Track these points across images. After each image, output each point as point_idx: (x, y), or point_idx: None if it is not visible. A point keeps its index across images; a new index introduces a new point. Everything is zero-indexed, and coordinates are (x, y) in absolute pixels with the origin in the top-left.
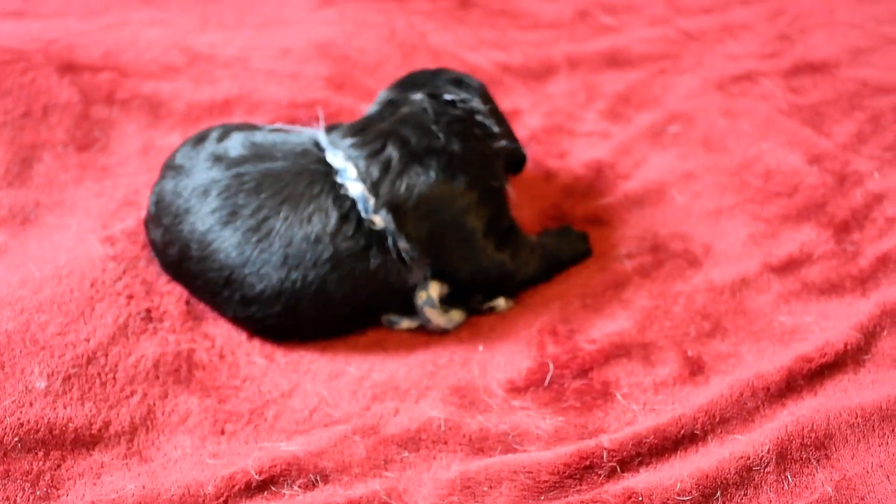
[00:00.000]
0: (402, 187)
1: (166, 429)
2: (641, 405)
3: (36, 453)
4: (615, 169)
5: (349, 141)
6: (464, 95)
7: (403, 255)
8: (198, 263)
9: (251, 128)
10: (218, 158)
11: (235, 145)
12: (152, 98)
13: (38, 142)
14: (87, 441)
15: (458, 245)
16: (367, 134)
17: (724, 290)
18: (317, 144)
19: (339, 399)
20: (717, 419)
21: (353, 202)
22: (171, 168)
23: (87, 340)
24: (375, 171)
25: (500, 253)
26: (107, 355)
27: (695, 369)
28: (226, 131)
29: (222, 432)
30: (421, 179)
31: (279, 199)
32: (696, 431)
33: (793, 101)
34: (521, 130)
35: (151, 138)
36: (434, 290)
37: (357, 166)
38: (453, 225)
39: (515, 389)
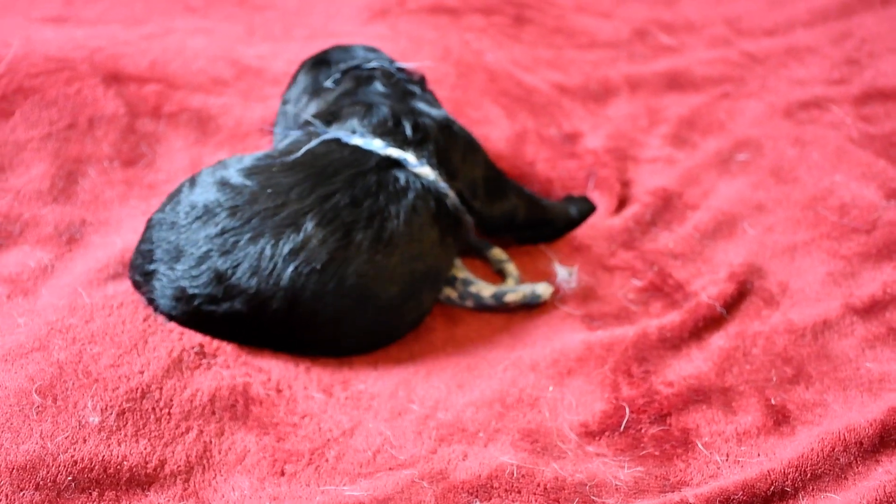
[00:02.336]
0: (446, 153)
1: (223, 468)
2: (724, 456)
3: (90, 493)
4: (683, 198)
5: (374, 131)
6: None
7: (462, 217)
8: (319, 296)
9: (267, 158)
10: (280, 191)
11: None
12: (201, 112)
13: (84, 155)
14: (142, 480)
15: (490, 178)
16: (379, 118)
17: (805, 333)
18: (352, 147)
19: (403, 440)
20: (809, 475)
21: (422, 185)
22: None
23: (141, 373)
24: (426, 151)
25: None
26: (161, 389)
27: (779, 418)
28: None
29: (282, 473)
30: (452, 137)
31: (369, 207)
32: (786, 488)
33: (864, 130)
34: (584, 156)
35: (199, 155)
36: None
37: (408, 152)
38: (486, 165)
39: (589, 434)
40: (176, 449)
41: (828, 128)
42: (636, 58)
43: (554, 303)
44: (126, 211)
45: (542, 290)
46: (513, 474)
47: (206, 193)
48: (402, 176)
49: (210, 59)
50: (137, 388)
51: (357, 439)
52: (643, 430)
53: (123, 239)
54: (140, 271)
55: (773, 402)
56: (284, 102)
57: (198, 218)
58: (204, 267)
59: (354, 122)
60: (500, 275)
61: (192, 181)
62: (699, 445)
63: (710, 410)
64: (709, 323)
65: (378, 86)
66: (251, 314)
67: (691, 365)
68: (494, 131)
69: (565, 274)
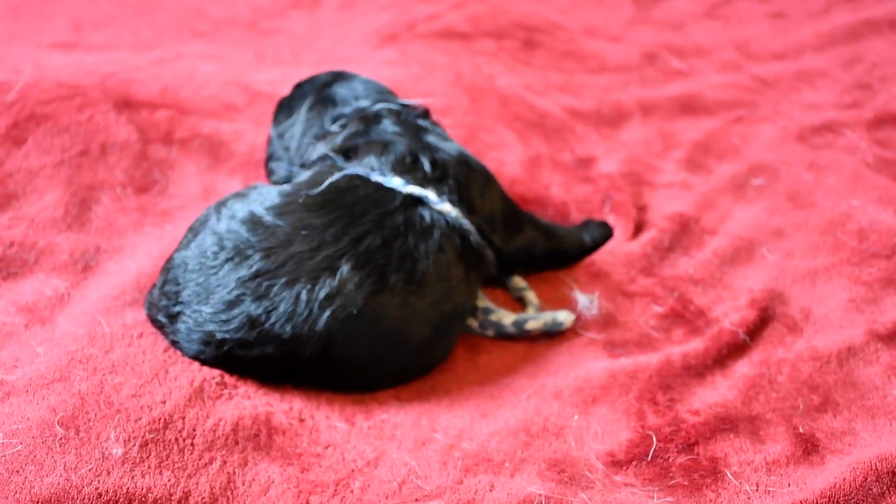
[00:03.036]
0: (466, 188)
1: (247, 499)
2: (754, 486)
3: None
4: (700, 224)
5: (393, 169)
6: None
7: (484, 253)
8: (354, 340)
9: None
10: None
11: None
12: (212, 138)
13: (97, 182)
14: None
15: (507, 212)
16: (397, 156)
17: (831, 360)
18: (374, 185)
19: (428, 470)
20: None
21: (446, 222)
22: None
23: (163, 403)
24: (445, 187)
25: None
26: (184, 419)
27: (808, 447)
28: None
29: None
30: (471, 172)
31: (399, 248)
32: None
33: (879, 155)
34: (598, 181)
35: (212, 181)
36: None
37: (428, 189)
38: (503, 199)
39: (617, 463)
40: (200, 480)
41: (842, 152)
42: (647, 82)
43: (575, 329)
44: (140, 238)
45: (564, 317)
46: None
47: (235, 232)
48: (426, 214)
49: (221, 85)
50: (160, 419)
51: (381, 470)
52: (671, 460)
53: (138, 265)
54: (164, 312)
55: (801, 430)
56: (280, 135)
57: (229, 259)
58: (236, 311)
59: (372, 160)
60: (519, 302)
61: (218, 212)
62: (728, 475)
63: (738, 439)
64: (732, 350)
65: (388, 124)
66: (283, 358)
67: (717, 393)
68: (508, 156)
69: (586, 301)
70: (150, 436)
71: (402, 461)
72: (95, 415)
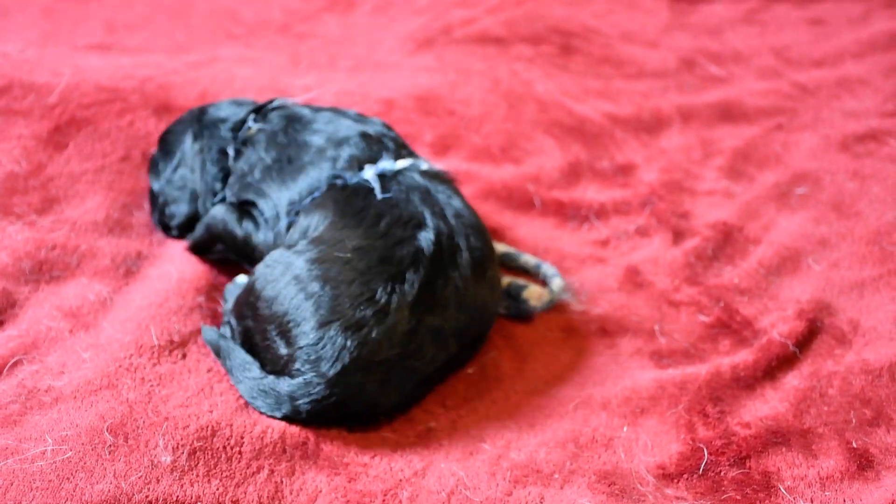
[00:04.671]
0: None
1: None
2: (809, 501)
3: None
4: (744, 232)
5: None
6: None
7: None
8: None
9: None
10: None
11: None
12: None
13: (138, 188)
14: None
15: None
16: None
17: (882, 373)
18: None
19: (477, 481)
20: None
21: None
22: None
23: (211, 412)
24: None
25: None
26: (231, 426)
27: (863, 463)
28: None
29: None
30: None
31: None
32: None
33: None
34: (637, 187)
35: None
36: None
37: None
38: None
39: (667, 476)
40: (248, 489)
41: (886, 161)
42: (686, 88)
43: (618, 337)
44: (180, 244)
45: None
46: None
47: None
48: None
49: (258, 90)
50: (207, 426)
51: (429, 480)
52: (723, 473)
53: (179, 271)
54: None
55: (854, 445)
56: (169, 181)
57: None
58: None
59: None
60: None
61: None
62: (782, 490)
63: (791, 453)
64: (782, 362)
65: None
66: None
67: (767, 406)
68: (548, 162)
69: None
70: (199, 444)
71: (451, 471)
72: (144, 422)
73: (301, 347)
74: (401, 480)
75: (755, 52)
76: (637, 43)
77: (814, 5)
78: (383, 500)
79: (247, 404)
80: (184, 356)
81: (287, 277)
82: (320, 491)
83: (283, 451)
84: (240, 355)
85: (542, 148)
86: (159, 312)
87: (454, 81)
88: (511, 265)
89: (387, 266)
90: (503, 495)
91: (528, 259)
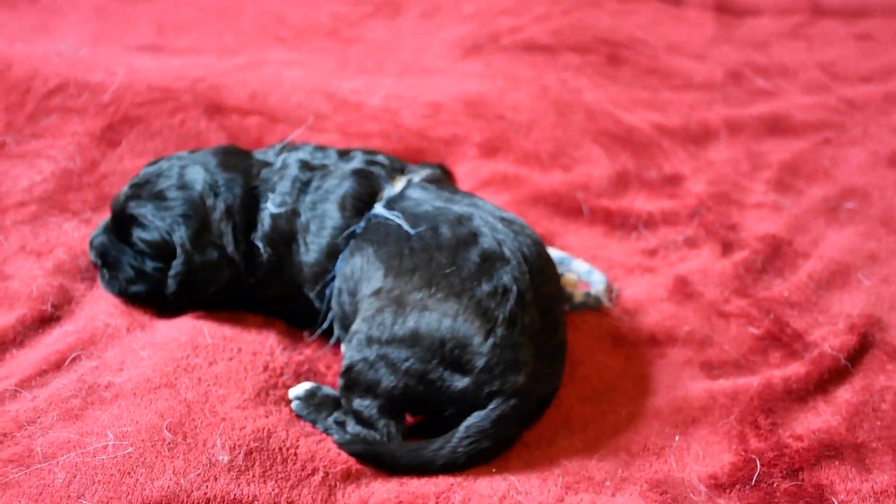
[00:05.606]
0: None
1: None
2: None
3: None
4: (793, 246)
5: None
6: None
7: None
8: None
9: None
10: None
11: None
12: None
13: None
14: None
15: None
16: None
17: None
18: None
19: (528, 486)
20: None
21: None
22: None
23: (267, 416)
24: None
25: None
26: (287, 430)
27: None
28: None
29: None
30: None
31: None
32: None
33: None
34: (685, 198)
35: None
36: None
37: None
38: None
39: (719, 486)
40: (302, 492)
41: None
42: (732, 101)
43: (668, 347)
44: None
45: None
46: None
47: None
48: None
49: (308, 93)
50: (264, 428)
51: (481, 484)
52: (775, 485)
53: None
54: None
55: None
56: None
57: None
58: None
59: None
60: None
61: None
62: (836, 503)
63: (844, 467)
64: (833, 375)
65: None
66: None
67: (819, 419)
68: (596, 170)
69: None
70: (255, 444)
71: (502, 476)
72: (201, 422)
73: (481, 369)
74: (452, 484)
75: (802, 67)
76: (683, 55)
77: (861, 21)
78: (436, 503)
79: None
80: (239, 350)
81: (409, 310)
82: (373, 493)
83: (338, 454)
84: (397, 448)
85: (590, 156)
86: (213, 312)
87: (502, 87)
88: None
89: (481, 272)
90: (555, 501)
91: (579, 265)
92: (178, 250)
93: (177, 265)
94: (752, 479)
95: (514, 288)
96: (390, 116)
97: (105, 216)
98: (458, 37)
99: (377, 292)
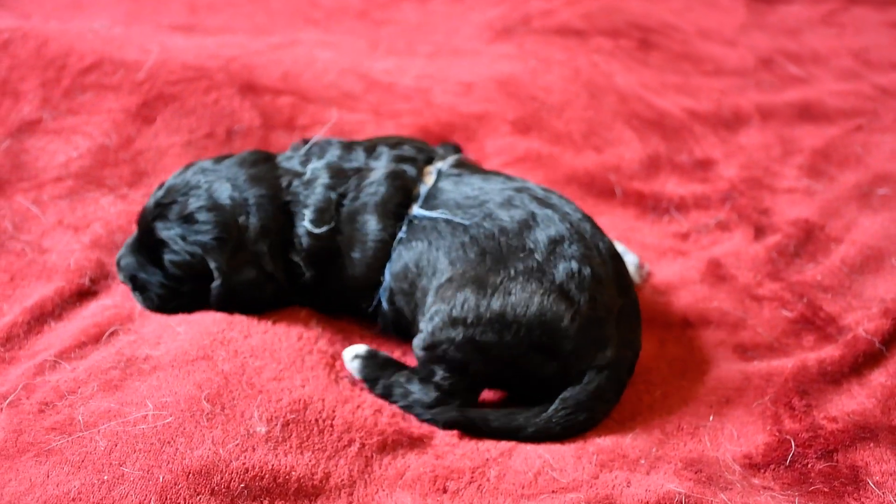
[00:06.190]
0: None
1: (385, 483)
2: None
3: (261, 501)
4: (825, 231)
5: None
6: None
7: None
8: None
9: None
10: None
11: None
12: (334, 128)
13: None
14: (309, 492)
15: None
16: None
17: None
18: None
19: (563, 463)
20: None
21: None
22: None
23: (303, 386)
24: None
25: None
26: (324, 400)
27: None
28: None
29: (444, 490)
30: None
31: None
32: None
33: None
34: (717, 182)
35: None
36: None
37: None
38: None
39: (754, 466)
40: (339, 462)
41: None
42: (764, 87)
43: (701, 328)
44: None
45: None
46: (682, 503)
47: None
48: None
49: (339, 73)
50: (300, 400)
51: (516, 460)
52: (810, 466)
53: None
54: None
55: None
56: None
57: None
58: None
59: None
60: None
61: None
62: (871, 484)
63: (879, 449)
64: (868, 359)
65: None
66: None
67: (854, 401)
68: (628, 152)
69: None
70: (291, 416)
71: (537, 453)
72: (239, 394)
73: (570, 351)
74: (487, 459)
75: (834, 54)
76: (715, 41)
77: (893, 8)
78: (471, 478)
79: (337, 379)
80: (274, 322)
81: (491, 292)
82: (409, 466)
83: (374, 425)
84: (490, 412)
85: (622, 138)
86: None
87: (535, 69)
88: None
89: (553, 252)
90: (590, 478)
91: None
92: (215, 273)
93: (216, 287)
94: (786, 460)
95: (588, 264)
96: (422, 95)
97: (140, 192)
98: (488, 19)
99: (449, 280)
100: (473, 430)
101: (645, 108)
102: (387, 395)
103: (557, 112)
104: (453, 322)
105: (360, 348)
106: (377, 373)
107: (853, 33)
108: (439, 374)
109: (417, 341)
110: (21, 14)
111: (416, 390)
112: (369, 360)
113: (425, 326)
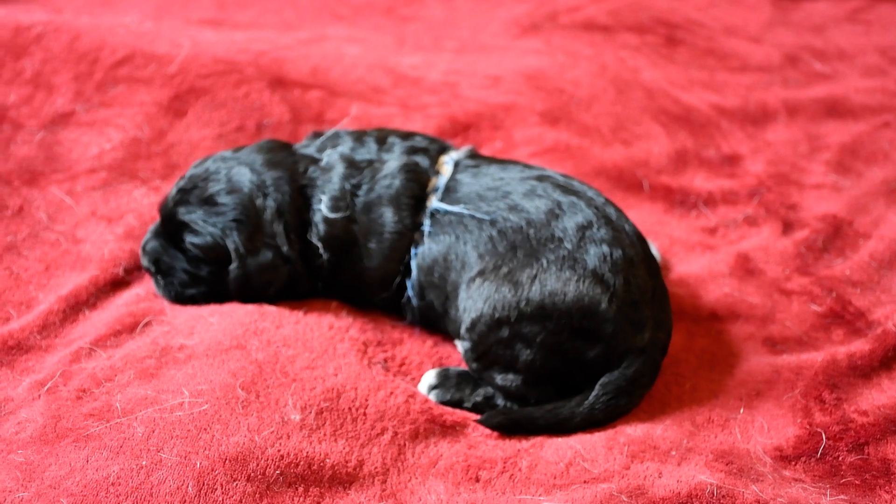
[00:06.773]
0: None
1: (418, 471)
2: None
3: (296, 488)
4: (854, 226)
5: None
6: None
7: None
8: None
9: None
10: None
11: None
12: (362, 121)
13: None
14: (343, 479)
15: None
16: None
17: None
18: None
19: (594, 454)
20: None
21: None
22: None
23: (336, 375)
24: None
25: None
26: (356, 389)
27: None
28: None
29: (476, 479)
30: None
31: None
32: None
33: None
34: (744, 177)
35: None
36: None
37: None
38: None
39: (785, 458)
40: (372, 450)
41: None
42: (791, 83)
43: (729, 322)
44: None
45: None
46: (713, 494)
47: None
48: None
49: (368, 68)
50: (333, 388)
51: (548, 451)
52: (841, 458)
53: None
54: None
55: None
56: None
57: None
58: None
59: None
60: None
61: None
62: None
63: None
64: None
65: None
66: None
67: (885, 395)
68: (655, 147)
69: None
70: (325, 404)
71: (568, 444)
72: (273, 382)
73: (611, 334)
74: (519, 450)
75: (860, 51)
76: (740, 37)
77: None
78: (503, 468)
79: (370, 366)
80: (306, 312)
81: (528, 286)
82: (441, 455)
83: (406, 413)
84: (534, 409)
85: (649, 133)
86: None
87: (562, 64)
88: None
89: (583, 238)
90: (621, 468)
91: None
92: (233, 255)
93: (233, 269)
94: (817, 452)
95: (619, 246)
96: (449, 89)
97: (172, 185)
98: (515, 16)
99: (480, 274)
100: (520, 429)
101: (672, 103)
102: (479, 411)
103: (585, 106)
104: (498, 324)
105: (431, 376)
106: (459, 394)
107: (879, 31)
108: (498, 378)
109: (468, 354)
110: (53, 9)
111: (500, 400)
112: (445, 383)
113: (469, 336)
